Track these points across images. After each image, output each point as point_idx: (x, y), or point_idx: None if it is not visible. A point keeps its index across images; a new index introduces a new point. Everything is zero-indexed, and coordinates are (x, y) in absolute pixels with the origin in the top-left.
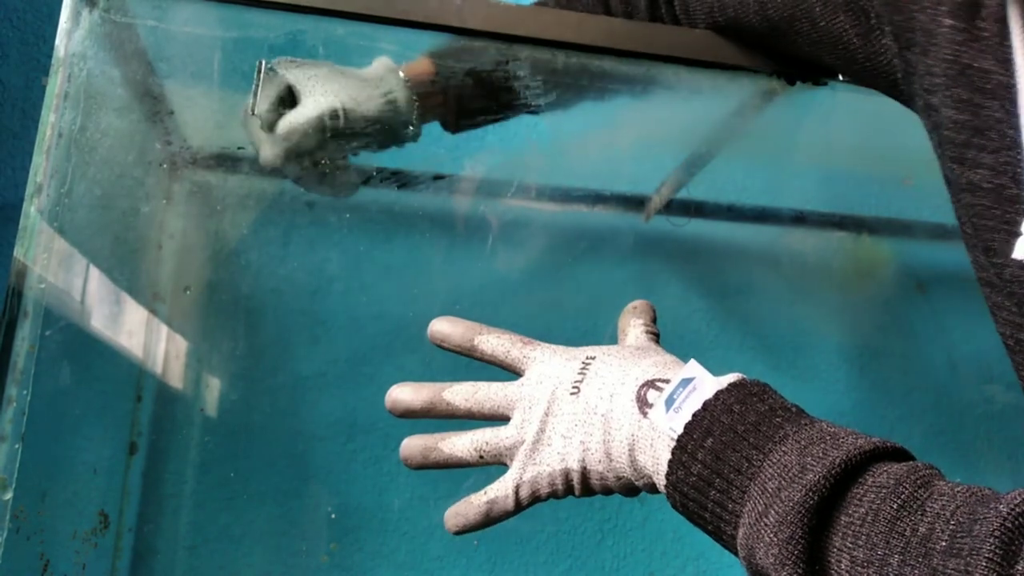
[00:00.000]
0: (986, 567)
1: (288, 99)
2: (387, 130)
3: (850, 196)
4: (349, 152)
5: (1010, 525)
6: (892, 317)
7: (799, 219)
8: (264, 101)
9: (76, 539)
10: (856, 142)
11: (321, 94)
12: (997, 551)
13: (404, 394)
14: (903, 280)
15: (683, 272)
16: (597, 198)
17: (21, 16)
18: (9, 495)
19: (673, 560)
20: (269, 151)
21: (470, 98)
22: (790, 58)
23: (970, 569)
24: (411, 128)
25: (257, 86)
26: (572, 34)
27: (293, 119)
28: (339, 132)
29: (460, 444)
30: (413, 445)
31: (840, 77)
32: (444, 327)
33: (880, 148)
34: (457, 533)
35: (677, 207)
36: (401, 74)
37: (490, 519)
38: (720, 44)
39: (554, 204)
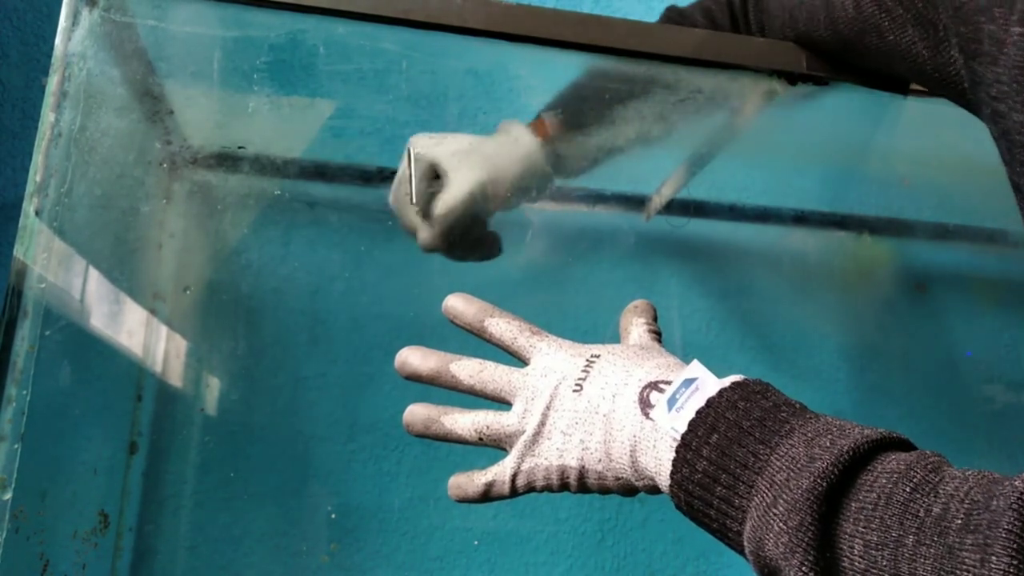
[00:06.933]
0: (1005, 539)
1: (432, 176)
2: (529, 188)
3: (850, 196)
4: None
5: None
6: (892, 317)
7: (800, 219)
8: (420, 187)
9: (76, 539)
10: (856, 142)
11: (467, 168)
12: (1016, 523)
13: (414, 357)
14: (903, 280)
15: (683, 272)
16: (597, 198)
17: (21, 16)
18: (9, 495)
19: (673, 560)
20: (427, 235)
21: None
22: (861, 68)
23: (989, 542)
24: (550, 181)
25: (410, 174)
26: (572, 34)
27: (448, 200)
28: (488, 200)
29: (462, 422)
30: (417, 413)
31: (906, 91)
32: (458, 304)
33: (880, 148)
34: (457, 501)
35: (677, 207)
36: (533, 133)
37: (488, 498)
38: (720, 44)
39: (554, 204)
